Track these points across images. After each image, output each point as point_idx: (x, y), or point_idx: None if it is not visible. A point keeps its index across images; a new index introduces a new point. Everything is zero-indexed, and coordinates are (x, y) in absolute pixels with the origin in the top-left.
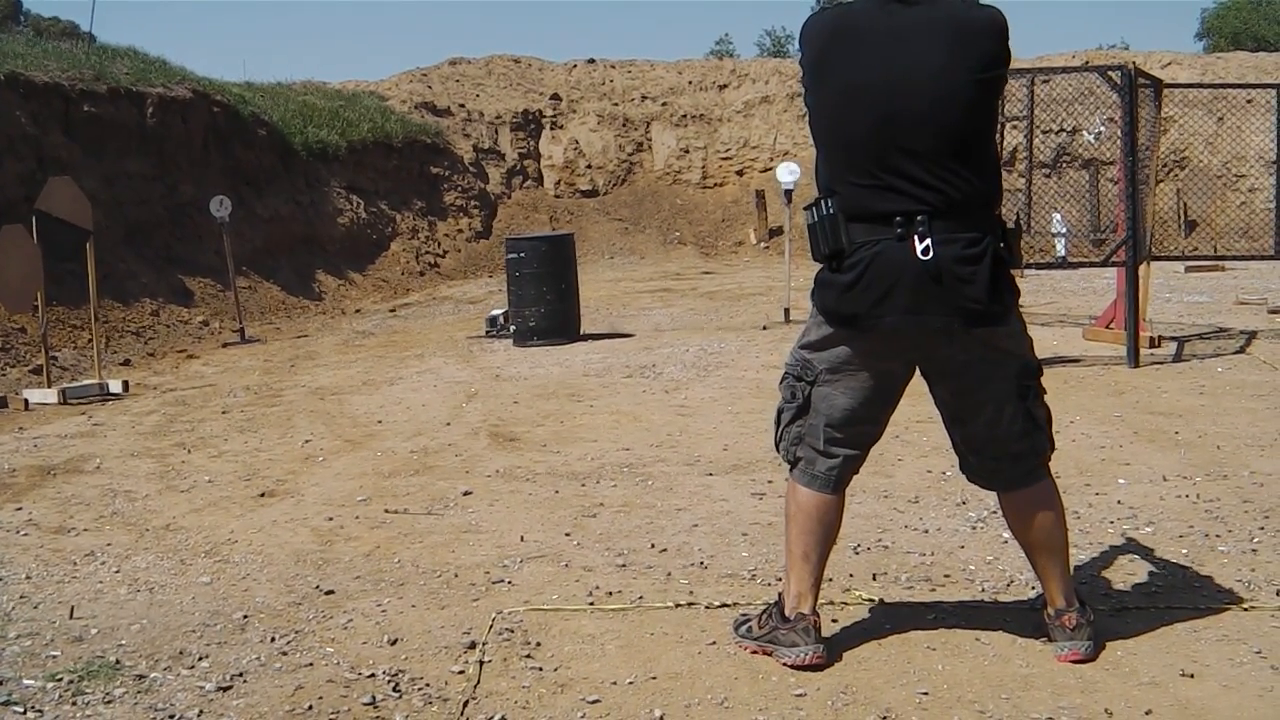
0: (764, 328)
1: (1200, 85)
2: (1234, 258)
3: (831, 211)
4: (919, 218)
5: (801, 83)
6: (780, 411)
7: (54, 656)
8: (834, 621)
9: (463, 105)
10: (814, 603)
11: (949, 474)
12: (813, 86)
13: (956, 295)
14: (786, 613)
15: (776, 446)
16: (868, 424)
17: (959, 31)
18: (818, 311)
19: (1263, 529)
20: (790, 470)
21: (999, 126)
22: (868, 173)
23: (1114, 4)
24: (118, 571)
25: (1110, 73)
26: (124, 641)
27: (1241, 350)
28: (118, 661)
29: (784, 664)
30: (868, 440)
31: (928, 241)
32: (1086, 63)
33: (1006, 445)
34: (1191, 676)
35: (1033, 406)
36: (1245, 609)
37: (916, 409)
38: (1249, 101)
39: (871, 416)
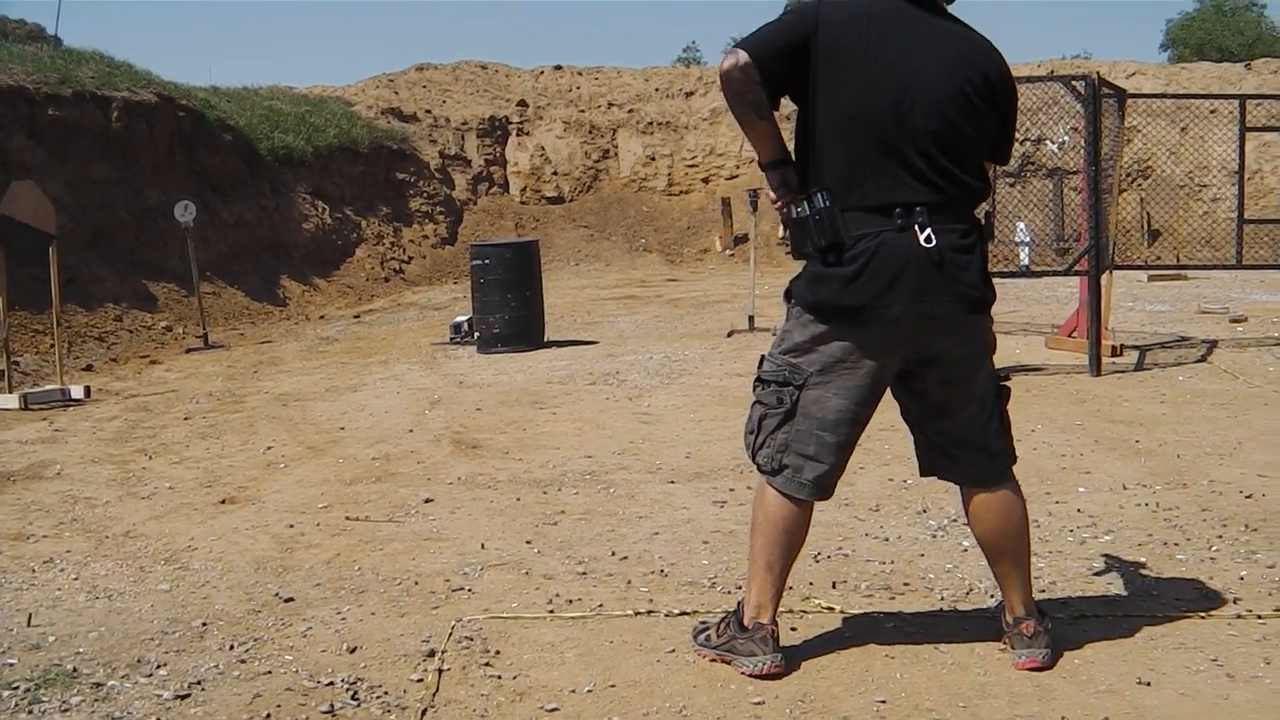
0: (729, 335)
1: (1164, 95)
2: (1196, 267)
3: (828, 203)
4: (918, 208)
5: (792, 65)
6: (762, 419)
7: (10, 664)
8: (793, 630)
9: (429, 111)
10: (774, 613)
11: (910, 482)
12: (823, 72)
13: (956, 283)
14: (745, 622)
15: (753, 455)
16: (859, 425)
17: (969, 47)
18: (808, 309)
19: (1220, 537)
20: (771, 478)
21: (1009, 128)
22: (872, 161)
23: (1079, 14)
24: (77, 579)
25: (1074, 83)
26: (82, 649)
27: (1203, 359)
28: (75, 669)
29: (742, 673)
30: (854, 443)
31: (929, 230)
32: (1052, 72)
33: (985, 441)
34: (1148, 684)
35: (1003, 408)
36: (1202, 617)
37: (880, 417)
38: (1212, 112)
39: (864, 416)
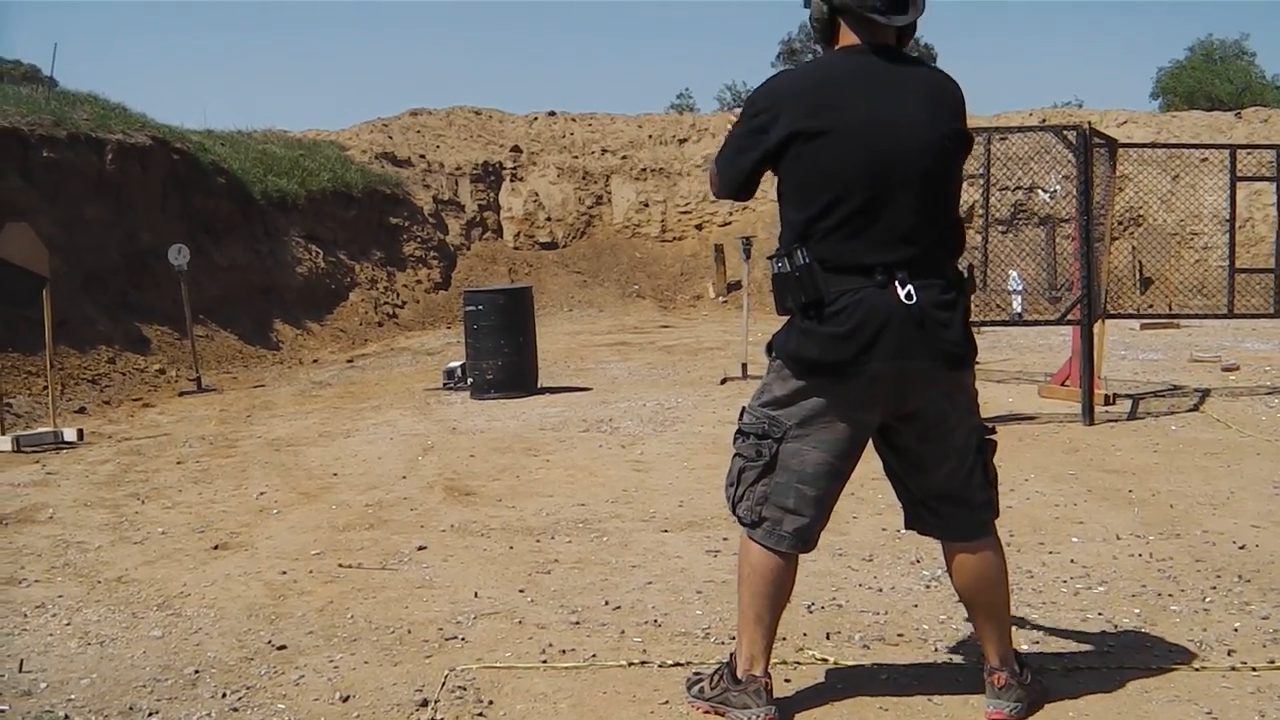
0: (722, 382)
1: (1155, 145)
2: (1188, 316)
3: (807, 261)
4: (899, 267)
5: (773, 138)
6: (741, 471)
7: (2, 711)
8: (787, 681)
9: (423, 156)
10: (766, 664)
11: (904, 532)
12: (801, 130)
13: (938, 339)
14: (739, 674)
15: (734, 508)
16: (840, 478)
17: (937, 91)
18: (787, 364)
19: (1214, 588)
20: (751, 531)
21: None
22: (850, 221)
23: (1070, 62)
24: (68, 624)
25: (1066, 132)
26: (73, 696)
27: (1195, 408)
28: (67, 717)
29: None
30: (835, 496)
31: (910, 287)
32: (1044, 121)
33: (966, 495)
34: None
35: (988, 460)
36: (1197, 669)
37: (871, 466)
38: (1203, 160)
39: (844, 470)
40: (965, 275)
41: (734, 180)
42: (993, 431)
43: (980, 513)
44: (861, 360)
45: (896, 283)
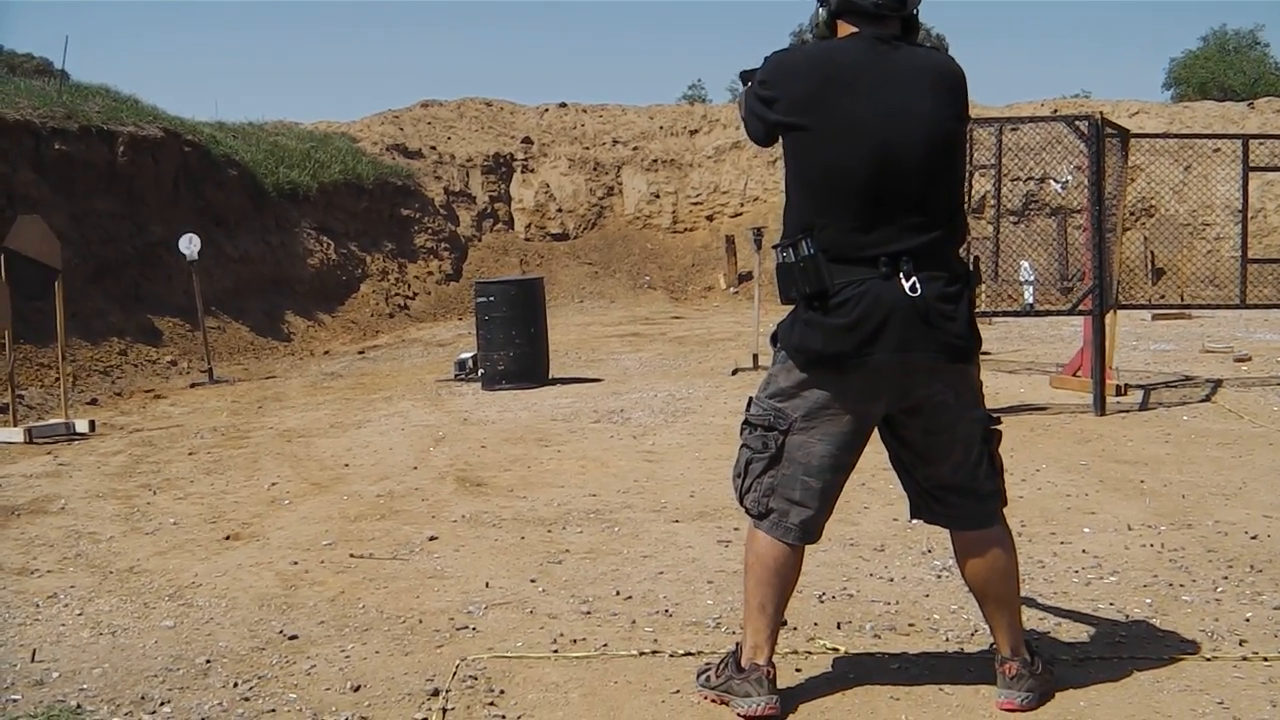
0: (733, 373)
1: (1167, 135)
2: (1200, 306)
3: (813, 251)
4: (903, 257)
5: (774, 117)
6: (749, 463)
7: (14, 700)
8: (797, 671)
9: (434, 147)
10: (770, 654)
11: (915, 523)
12: (803, 122)
13: (941, 332)
14: (743, 663)
15: (741, 499)
16: (844, 470)
17: (940, 77)
18: (792, 355)
19: (1226, 578)
20: (758, 522)
21: (968, 174)
22: (856, 211)
23: (1082, 53)
24: (80, 614)
25: (1078, 123)
26: (85, 686)
27: (1207, 399)
28: (79, 706)
29: (739, 714)
30: (839, 488)
31: (915, 279)
32: (1055, 111)
33: (973, 485)
34: None
35: (994, 450)
36: (1208, 659)
37: (884, 457)
38: (1216, 151)
39: (849, 462)
40: (971, 268)
41: (754, 134)
42: (998, 422)
43: (987, 502)
44: (864, 352)
45: (901, 274)
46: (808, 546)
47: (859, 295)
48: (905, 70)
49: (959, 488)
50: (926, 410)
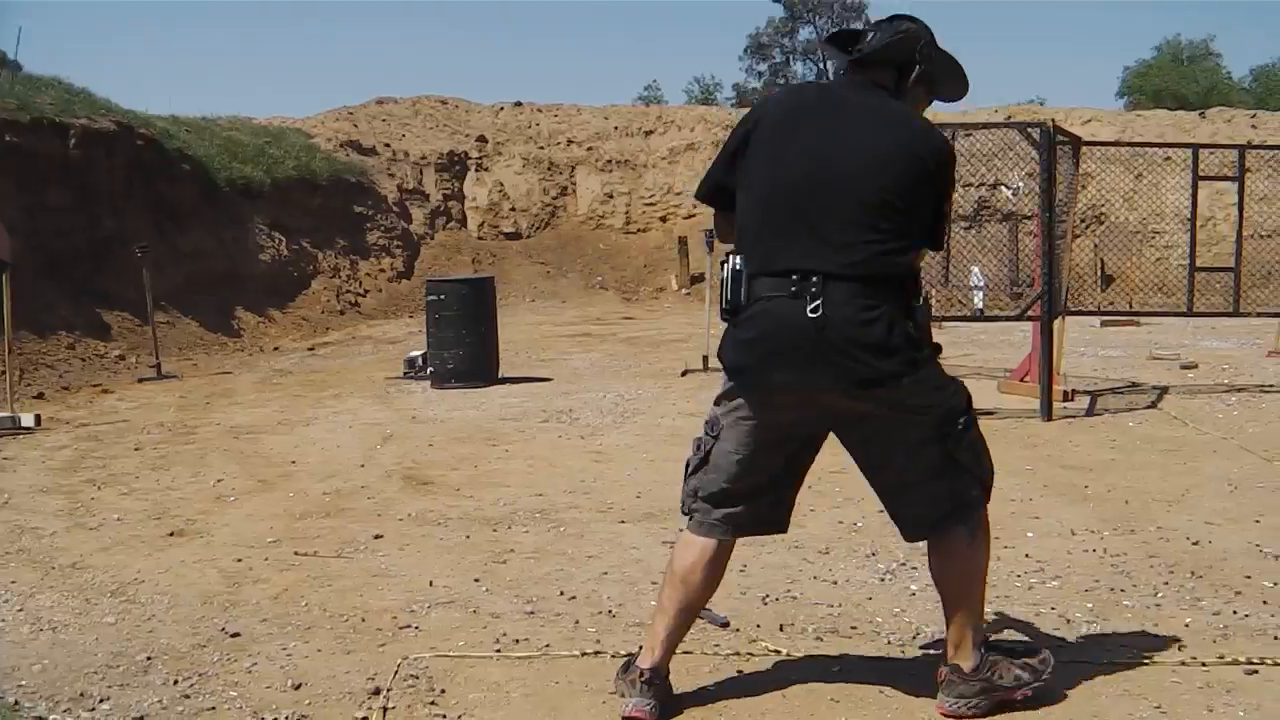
0: (683, 374)
1: (1118, 143)
2: (1149, 313)
3: (738, 268)
4: (814, 278)
5: (733, 145)
6: (687, 465)
7: None
8: (739, 673)
9: (388, 145)
10: (659, 658)
11: (860, 525)
12: (752, 151)
13: (844, 357)
14: (635, 662)
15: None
16: (757, 477)
17: (893, 122)
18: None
19: (1167, 584)
20: (687, 521)
21: (941, 214)
22: (779, 227)
23: (1037, 60)
24: (21, 610)
25: (1030, 129)
26: (24, 682)
27: (1153, 405)
28: (17, 703)
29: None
30: (760, 495)
31: (818, 301)
32: (1009, 118)
33: (924, 490)
34: None
35: (955, 450)
36: (1147, 664)
37: (830, 459)
38: (1167, 159)
39: (764, 465)
40: (918, 302)
41: (705, 181)
42: (959, 422)
43: (940, 504)
44: (763, 369)
45: (808, 295)
46: (765, 550)
47: (762, 312)
48: (863, 107)
49: (907, 493)
50: (853, 423)
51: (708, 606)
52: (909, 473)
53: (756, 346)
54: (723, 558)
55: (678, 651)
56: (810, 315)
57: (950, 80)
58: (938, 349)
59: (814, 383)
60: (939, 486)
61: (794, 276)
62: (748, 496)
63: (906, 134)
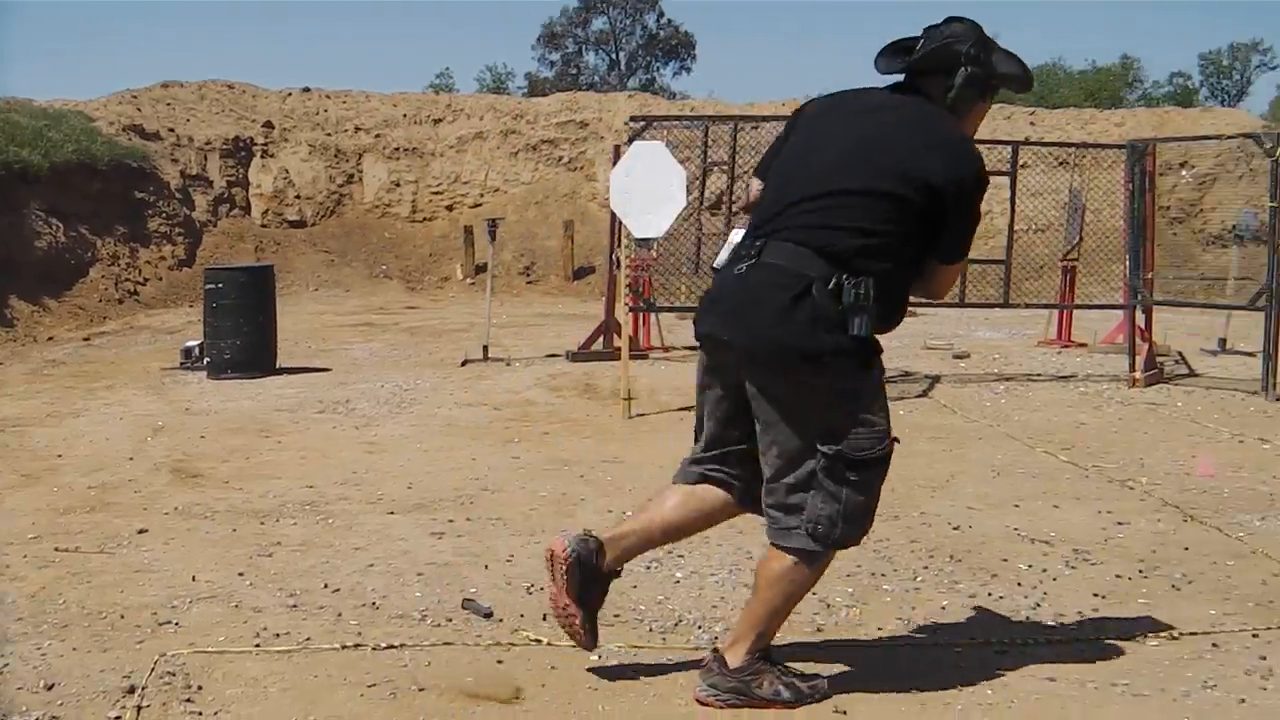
0: (463, 363)
1: None
2: (923, 304)
3: (739, 239)
4: (759, 241)
5: (783, 136)
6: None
7: None
8: (499, 663)
9: (173, 130)
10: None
11: (628, 514)
12: (787, 138)
13: (754, 323)
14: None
15: None
16: (720, 432)
17: (902, 132)
18: None
19: (926, 568)
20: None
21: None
22: (766, 205)
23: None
24: None
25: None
26: None
27: (924, 394)
28: None
29: None
30: (729, 451)
31: (745, 264)
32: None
33: (782, 495)
34: (844, 714)
35: (825, 480)
36: (901, 646)
37: (602, 448)
38: None
39: (720, 422)
40: (863, 294)
41: (761, 166)
42: (852, 458)
43: (779, 522)
44: (700, 319)
45: (750, 255)
46: (534, 540)
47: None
48: (877, 108)
49: (770, 491)
50: (754, 399)
51: (471, 597)
52: (778, 471)
53: (705, 299)
54: (693, 504)
55: (436, 644)
56: (736, 272)
57: (1009, 78)
58: (877, 366)
59: (719, 333)
60: (794, 498)
61: (757, 241)
62: (710, 459)
63: (909, 145)
